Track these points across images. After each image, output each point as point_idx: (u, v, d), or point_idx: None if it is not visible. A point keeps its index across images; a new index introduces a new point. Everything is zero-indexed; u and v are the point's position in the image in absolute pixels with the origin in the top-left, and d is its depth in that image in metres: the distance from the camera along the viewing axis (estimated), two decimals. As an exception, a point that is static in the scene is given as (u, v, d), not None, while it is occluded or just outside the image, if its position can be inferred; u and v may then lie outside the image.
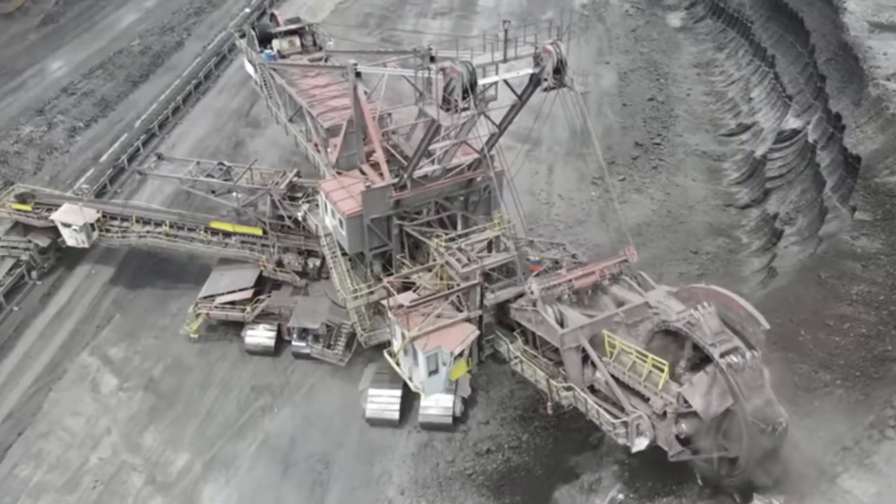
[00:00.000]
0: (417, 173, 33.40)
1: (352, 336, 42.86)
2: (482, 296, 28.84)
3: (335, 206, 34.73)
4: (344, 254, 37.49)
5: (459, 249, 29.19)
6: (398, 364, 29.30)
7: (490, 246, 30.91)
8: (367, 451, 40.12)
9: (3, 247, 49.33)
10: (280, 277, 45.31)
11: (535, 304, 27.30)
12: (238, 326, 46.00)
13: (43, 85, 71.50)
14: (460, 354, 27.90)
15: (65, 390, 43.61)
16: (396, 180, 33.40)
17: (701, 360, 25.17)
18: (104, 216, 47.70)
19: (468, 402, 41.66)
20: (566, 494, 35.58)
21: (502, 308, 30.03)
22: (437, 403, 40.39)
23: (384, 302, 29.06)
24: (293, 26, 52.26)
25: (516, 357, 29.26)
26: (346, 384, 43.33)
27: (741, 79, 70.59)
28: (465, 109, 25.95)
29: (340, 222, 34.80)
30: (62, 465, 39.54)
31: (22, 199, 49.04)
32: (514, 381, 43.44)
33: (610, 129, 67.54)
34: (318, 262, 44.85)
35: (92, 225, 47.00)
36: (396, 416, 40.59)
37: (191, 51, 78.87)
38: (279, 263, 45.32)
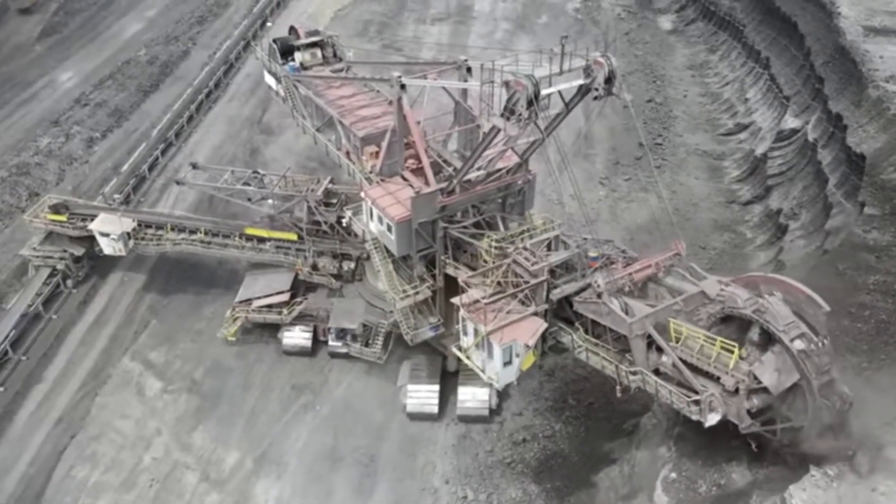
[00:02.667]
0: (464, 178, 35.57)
1: (388, 335, 44.86)
2: (548, 291, 31.14)
3: (383, 212, 36.64)
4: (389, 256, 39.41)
5: (525, 248, 31.41)
6: (468, 358, 31.43)
7: (549, 245, 33.10)
8: (410, 443, 42.17)
9: (38, 257, 50.53)
10: (316, 280, 47.06)
11: (599, 297, 29.71)
12: (272, 328, 47.79)
13: (55, 96, 72.39)
14: (529, 346, 30.15)
15: (111, 394, 45.07)
16: (445, 185, 35.49)
17: (762, 340, 27.92)
18: (139, 225, 49.14)
19: (501, 395, 43.84)
20: (605, 478, 37.93)
21: (559, 302, 32.29)
22: (474, 397, 42.70)
23: (456, 300, 31.14)
24: (314, 39, 53.68)
25: (580, 346, 31.60)
26: (382, 381, 45.36)
27: (735, 80, 73.51)
28: (527, 119, 28.14)
29: (389, 227, 36.72)
30: (117, 465, 41.07)
31: (56, 209, 50.24)
32: (542, 374, 45.76)
33: (613, 131, 70.05)
34: (352, 265, 46.73)
35: (128, 234, 48.42)
36: (436, 409, 42.75)
37: (197, 60, 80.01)
38: (314, 267, 47.08)
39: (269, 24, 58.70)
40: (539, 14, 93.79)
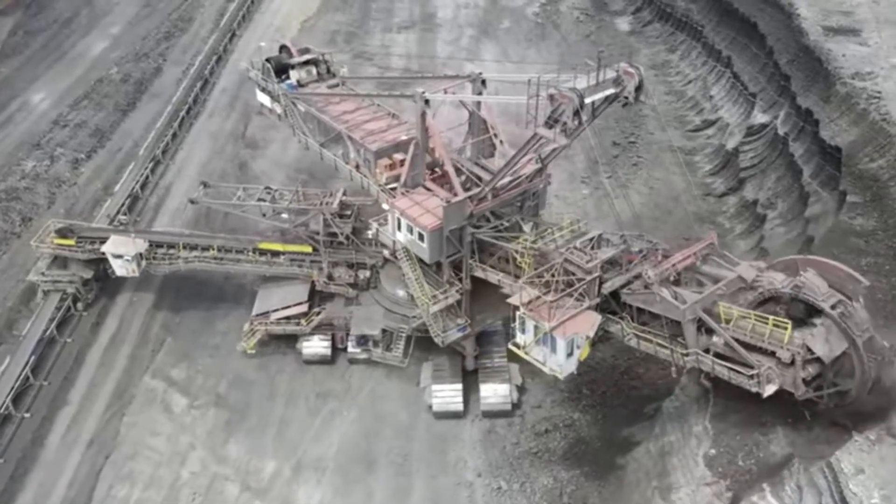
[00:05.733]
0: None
1: (408, 338, 46.66)
2: (600, 285, 33.66)
3: (414, 222, 38.52)
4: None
5: (576, 248, 33.80)
6: (527, 354, 33.62)
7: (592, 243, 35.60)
8: (438, 441, 44.15)
9: (47, 281, 50.69)
10: (333, 290, 48.51)
11: (648, 287, 32.34)
12: (289, 339, 49.12)
13: (31, 118, 71.70)
14: (589, 337, 32.63)
15: (138, 413, 45.75)
16: (476, 192, 37.74)
17: (803, 316, 31.05)
18: (150, 244, 49.77)
19: (519, 390, 46.11)
20: (632, 460, 40.51)
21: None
22: (495, 393, 44.99)
23: (514, 300, 33.25)
24: (308, 56, 54.82)
25: (628, 334, 34.24)
26: (403, 383, 47.23)
27: (698, 78, 77.34)
28: (571, 130, 30.66)
29: (420, 236, 38.62)
30: (156, 482, 41.91)
31: (62, 234, 50.42)
32: (555, 367, 48.22)
33: (589, 129, 72.80)
34: (367, 274, 48.34)
35: (141, 254, 49.02)
36: (461, 407, 44.83)
37: (171, 76, 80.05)
38: (330, 277, 48.52)
39: (262, 44, 59.82)
40: (501, 19, 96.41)
